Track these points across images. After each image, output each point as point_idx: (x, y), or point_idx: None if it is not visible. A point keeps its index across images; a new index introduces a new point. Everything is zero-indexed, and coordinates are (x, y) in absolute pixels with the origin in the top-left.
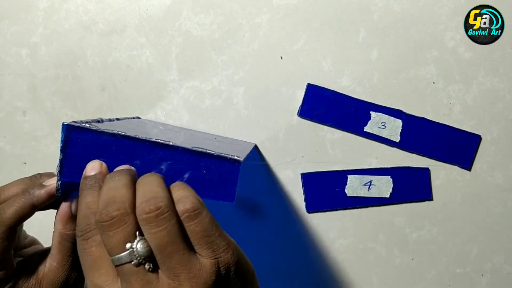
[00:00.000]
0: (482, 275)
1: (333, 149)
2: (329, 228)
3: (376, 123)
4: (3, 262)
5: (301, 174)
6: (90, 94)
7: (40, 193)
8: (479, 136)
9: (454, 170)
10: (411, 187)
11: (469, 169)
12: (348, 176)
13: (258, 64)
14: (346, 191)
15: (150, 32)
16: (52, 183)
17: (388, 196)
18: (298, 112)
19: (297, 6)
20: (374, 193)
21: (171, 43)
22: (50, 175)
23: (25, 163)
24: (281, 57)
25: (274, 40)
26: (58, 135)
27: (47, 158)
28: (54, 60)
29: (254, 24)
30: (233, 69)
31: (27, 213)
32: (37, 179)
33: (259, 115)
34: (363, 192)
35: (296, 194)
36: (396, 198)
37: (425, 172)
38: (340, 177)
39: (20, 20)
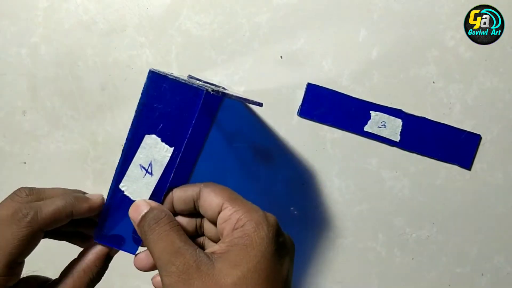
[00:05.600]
0: (482, 275)
1: (333, 148)
2: (329, 228)
3: (376, 122)
4: (13, 267)
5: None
6: (90, 94)
7: (82, 202)
8: (479, 136)
9: (454, 170)
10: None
11: (469, 169)
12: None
13: (258, 64)
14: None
15: (150, 32)
16: (97, 197)
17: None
18: (298, 112)
19: (297, 6)
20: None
21: (171, 43)
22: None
23: (25, 163)
24: (281, 57)
25: (274, 40)
26: (58, 134)
27: (47, 158)
28: (54, 60)
29: (254, 24)
30: (233, 69)
31: (63, 219)
32: (79, 193)
33: (259, 115)
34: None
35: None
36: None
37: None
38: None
39: (20, 20)
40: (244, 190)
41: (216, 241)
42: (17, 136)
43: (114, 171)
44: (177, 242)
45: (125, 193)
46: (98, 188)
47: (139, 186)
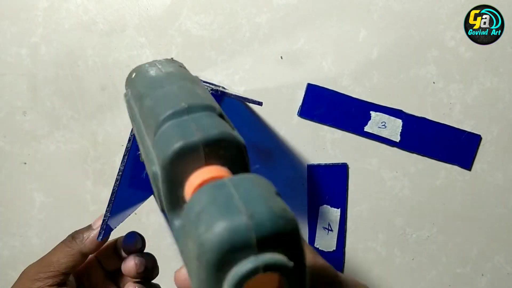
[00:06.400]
0: (482, 275)
1: (333, 149)
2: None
3: (376, 123)
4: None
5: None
6: (90, 94)
7: (87, 241)
8: (479, 136)
9: (454, 170)
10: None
11: (469, 169)
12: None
13: (258, 64)
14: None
15: (150, 32)
16: (98, 224)
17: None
18: (298, 112)
19: (297, 6)
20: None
21: (171, 43)
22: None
23: (25, 163)
24: (281, 57)
25: (274, 40)
26: (58, 135)
27: (47, 158)
28: (54, 60)
29: (254, 24)
30: (233, 69)
31: (78, 262)
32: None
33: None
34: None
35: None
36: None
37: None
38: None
39: (20, 20)
40: None
41: None
42: (17, 136)
43: (114, 171)
44: None
45: None
46: (98, 188)
47: None
